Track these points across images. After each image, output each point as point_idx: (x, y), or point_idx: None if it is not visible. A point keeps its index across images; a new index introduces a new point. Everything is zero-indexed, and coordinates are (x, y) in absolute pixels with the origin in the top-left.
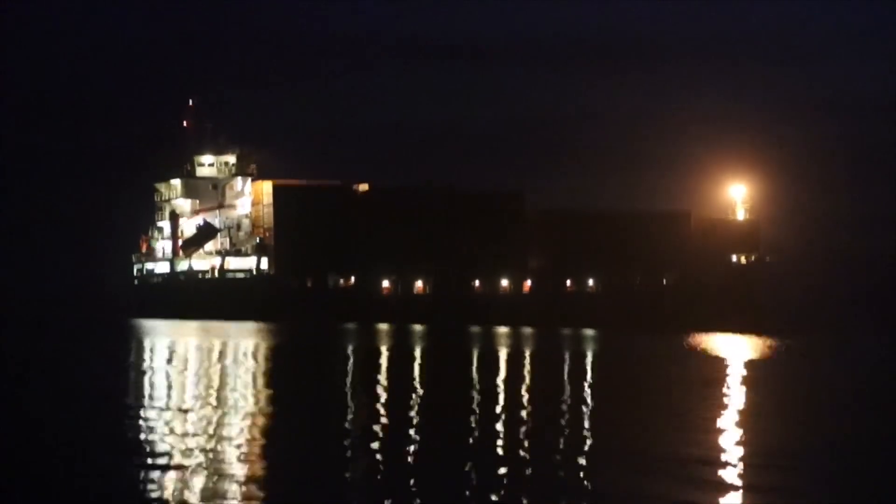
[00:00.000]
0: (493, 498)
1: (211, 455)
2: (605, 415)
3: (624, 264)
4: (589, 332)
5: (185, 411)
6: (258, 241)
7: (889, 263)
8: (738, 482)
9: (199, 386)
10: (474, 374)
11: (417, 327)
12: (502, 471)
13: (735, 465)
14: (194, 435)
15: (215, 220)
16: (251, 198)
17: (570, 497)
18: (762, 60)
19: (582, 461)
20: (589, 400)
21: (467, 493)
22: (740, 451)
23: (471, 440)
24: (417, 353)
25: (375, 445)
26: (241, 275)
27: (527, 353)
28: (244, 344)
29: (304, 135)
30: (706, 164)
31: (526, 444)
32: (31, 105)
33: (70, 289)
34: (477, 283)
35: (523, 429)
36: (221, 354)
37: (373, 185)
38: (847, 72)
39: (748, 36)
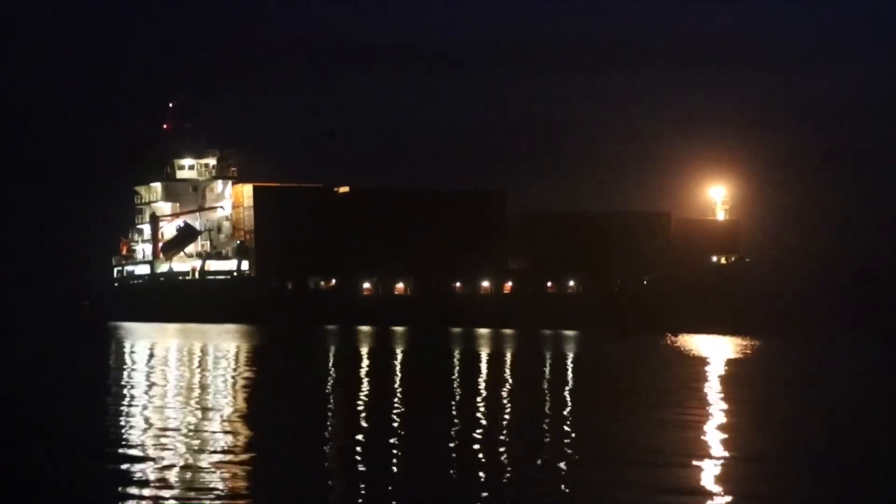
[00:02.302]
0: (474, 498)
1: (191, 461)
2: (585, 415)
3: (605, 265)
4: (570, 333)
5: (164, 410)
6: (239, 243)
7: (868, 264)
8: (718, 480)
9: (179, 389)
10: (455, 377)
11: (398, 329)
12: (482, 472)
13: (715, 463)
14: (174, 438)
15: (196, 222)
16: (232, 200)
17: (551, 497)
18: (741, 64)
19: (562, 462)
20: (569, 401)
21: (449, 494)
22: (721, 449)
23: (451, 444)
24: (398, 354)
25: (357, 448)
26: (221, 277)
27: (508, 355)
28: (225, 346)
29: (284, 137)
30: (686, 165)
31: (507, 446)
32: (10, 106)
33: (49, 292)
34: (458, 284)
35: (504, 431)
36: (202, 357)
37: (353, 188)
38: (826, 75)
39: (728, 39)
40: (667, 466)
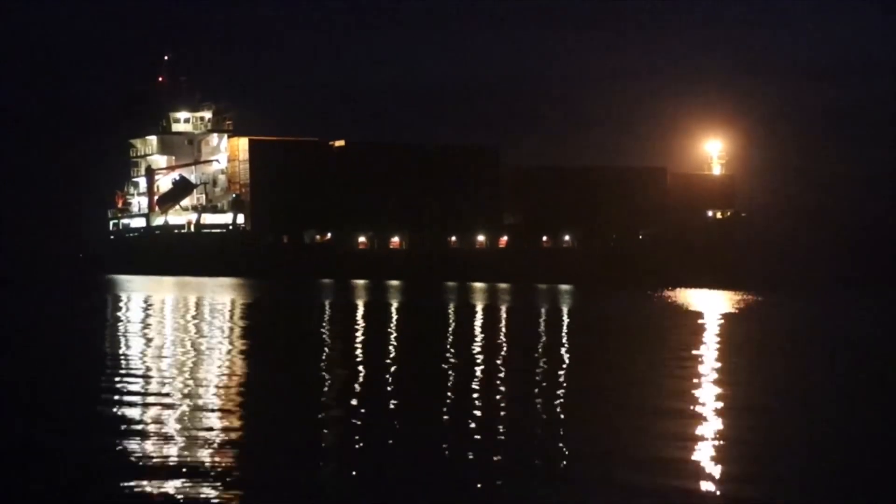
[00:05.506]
0: (469, 456)
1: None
2: (581, 369)
3: (600, 220)
4: (565, 287)
5: (160, 359)
6: (234, 196)
7: (863, 218)
8: (715, 432)
9: (174, 343)
10: (450, 331)
11: (393, 283)
12: (476, 434)
13: (712, 416)
14: (167, 394)
15: (191, 175)
16: (227, 154)
17: (548, 457)
18: (737, 17)
19: (559, 419)
20: (565, 356)
21: (443, 458)
22: (718, 402)
23: (446, 404)
24: (393, 309)
25: (348, 409)
26: (217, 230)
27: (503, 309)
28: (220, 300)
29: (279, 91)
30: (682, 120)
31: (502, 406)
32: (4, 60)
33: (45, 245)
34: (453, 238)
35: (498, 391)
36: (197, 310)
37: (349, 142)
38: (823, 29)
39: None
40: (662, 420)
